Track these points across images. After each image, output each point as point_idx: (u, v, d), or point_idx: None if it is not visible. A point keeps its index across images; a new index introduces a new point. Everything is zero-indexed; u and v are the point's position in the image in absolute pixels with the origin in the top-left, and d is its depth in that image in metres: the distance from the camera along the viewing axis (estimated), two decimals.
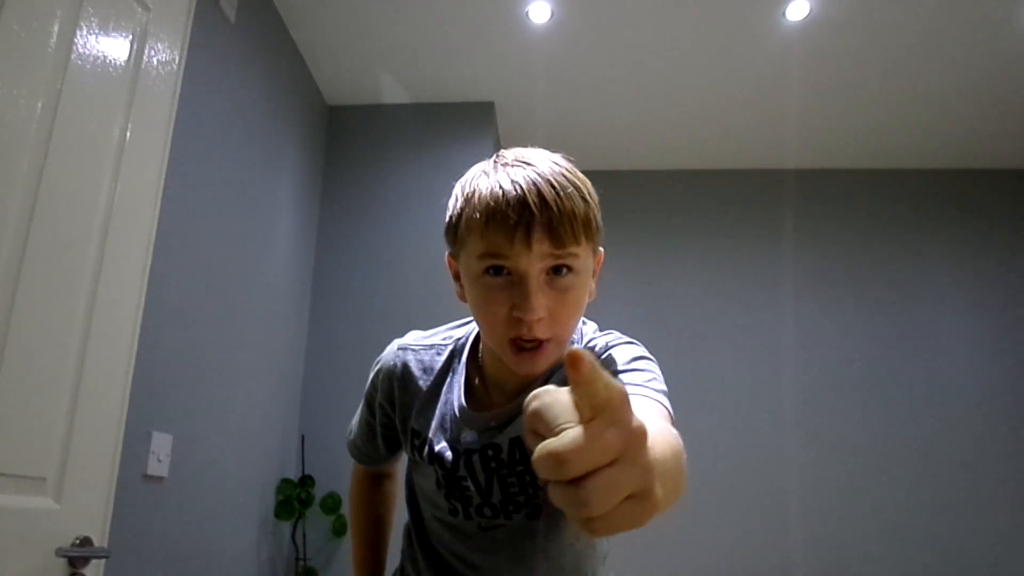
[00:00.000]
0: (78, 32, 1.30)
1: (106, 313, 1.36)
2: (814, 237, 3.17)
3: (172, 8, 1.64)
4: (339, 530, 2.32)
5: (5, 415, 1.12)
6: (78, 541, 1.26)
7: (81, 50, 1.31)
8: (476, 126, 2.85)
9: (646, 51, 2.54)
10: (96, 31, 1.35)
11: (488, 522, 0.85)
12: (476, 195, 0.72)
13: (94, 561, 1.29)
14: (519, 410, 0.75)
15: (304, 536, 2.34)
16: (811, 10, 2.31)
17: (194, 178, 1.82)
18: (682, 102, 2.83)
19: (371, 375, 0.94)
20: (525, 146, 0.79)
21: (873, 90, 2.71)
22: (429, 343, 0.91)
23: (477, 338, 0.89)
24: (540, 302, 0.70)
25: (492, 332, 0.75)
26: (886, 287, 3.08)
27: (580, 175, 0.76)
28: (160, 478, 1.65)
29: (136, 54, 1.48)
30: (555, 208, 0.69)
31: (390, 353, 0.92)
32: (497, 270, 0.72)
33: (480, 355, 0.87)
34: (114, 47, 1.41)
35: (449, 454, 0.83)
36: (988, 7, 2.27)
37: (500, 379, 0.83)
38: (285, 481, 2.34)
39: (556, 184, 0.71)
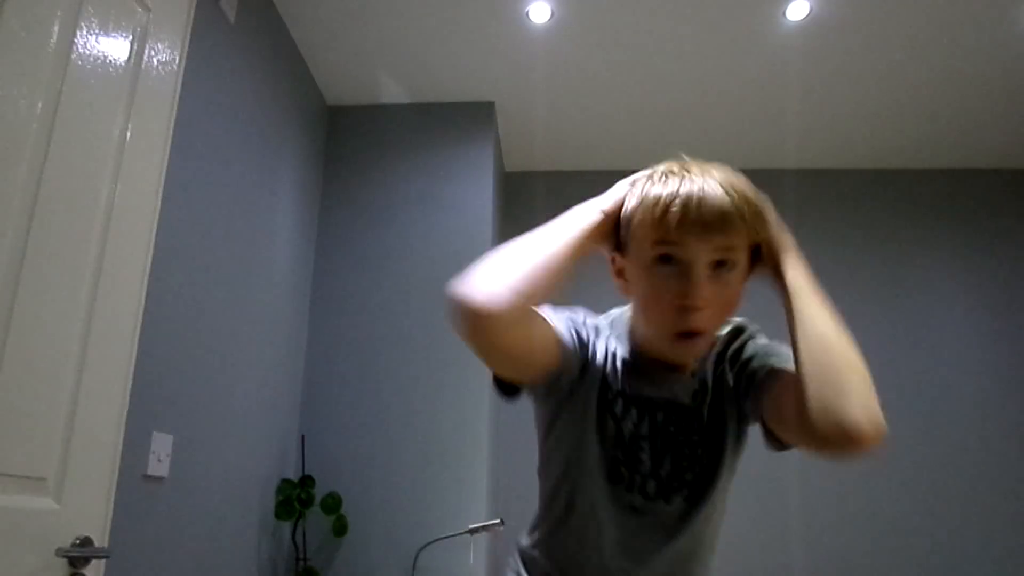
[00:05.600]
0: (78, 32, 1.30)
1: (106, 313, 1.36)
2: (814, 237, 3.15)
3: (172, 8, 1.64)
4: (339, 530, 2.32)
5: (5, 415, 1.12)
6: (78, 541, 1.26)
7: (81, 50, 1.30)
8: (476, 126, 2.85)
9: (646, 51, 2.54)
10: (96, 31, 1.35)
11: (644, 503, 0.85)
12: (652, 194, 0.80)
13: (94, 561, 1.29)
14: (690, 384, 0.86)
15: (304, 536, 2.34)
16: (811, 10, 2.31)
17: (194, 178, 1.82)
18: (682, 102, 2.83)
19: (582, 314, 0.93)
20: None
21: (873, 90, 2.71)
22: (603, 320, 0.94)
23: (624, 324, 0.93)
24: (705, 291, 0.77)
25: (657, 319, 0.81)
26: (886, 287, 3.08)
27: (752, 189, 0.83)
28: (160, 478, 1.65)
29: (136, 54, 1.48)
30: (727, 204, 0.77)
31: (587, 313, 0.94)
32: (666, 259, 0.79)
33: (632, 337, 0.90)
34: (114, 47, 1.41)
35: (634, 413, 0.86)
36: (988, 7, 2.27)
37: (657, 359, 0.87)
38: (285, 481, 2.34)
39: (726, 186, 0.79)
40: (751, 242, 0.81)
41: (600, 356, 0.89)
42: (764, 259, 0.83)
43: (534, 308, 0.79)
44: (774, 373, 0.82)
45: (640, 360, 0.88)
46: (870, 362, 0.75)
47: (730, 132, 3.01)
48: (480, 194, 2.76)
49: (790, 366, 0.78)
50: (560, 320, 0.87)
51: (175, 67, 1.64)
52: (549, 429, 0.91)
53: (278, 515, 2.27)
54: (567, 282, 0.79)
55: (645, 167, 0.91)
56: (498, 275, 0.73)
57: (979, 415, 2.88)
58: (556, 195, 3.32)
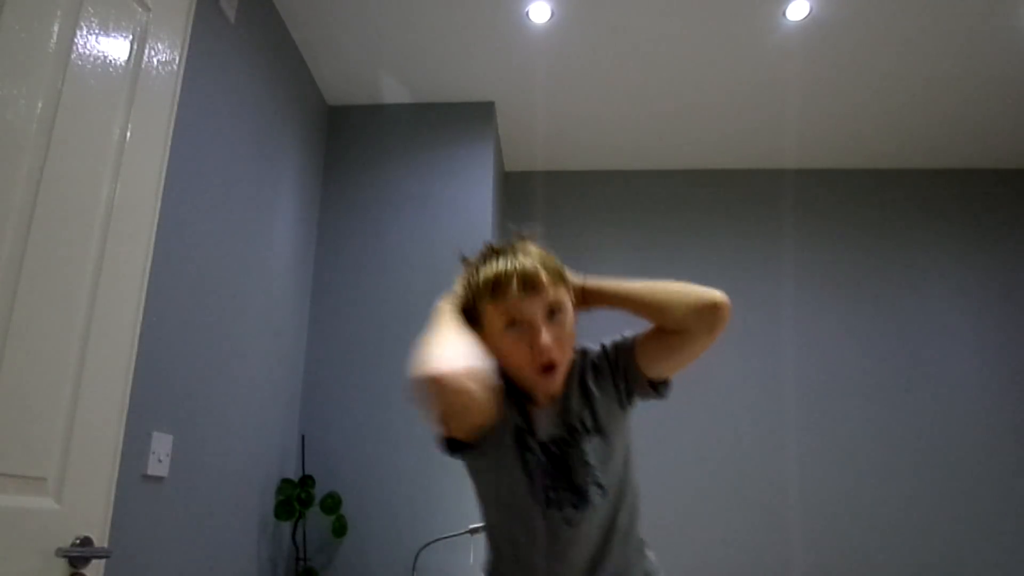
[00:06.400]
0: (78, 32, 1.30)
1: (106, 313, 1.36)
2: (814, 237, 3.17)
3: (172, 8, 1.64)
4: (339, 530, 2.32)
5: (5, 415, 1.12)
6: (78, 541, 1.26)
7: (81, 50, 1.31)
8: (476, 126, 2.85)
9: (646, 51, 2.54)
10: (96, 31, 1.35)
11: (575, 513, 1.05)
12: (484, 278, 1.04)
13: (94, 561, 1.29)
14: (559, 409, 1.08)
15: (304, 536, 2.34)
16: (811, 10, 2.31)
17: (194, 178, 1.82)
18: (682, 102, 2.83)
19: None
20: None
21: (873, 90, 2.71)
22: None
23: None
24: (547, 336, 1.01)
25: (520, 368, 1.03)
26: (887, 287, 3.08)
27: (548, 254, 1.08)
28: (160, 478, 1.65)
29: (136, 54, 1.48)
30: (535, 269, 1.02)
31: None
32: (512, 323, 1.02)
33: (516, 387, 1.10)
34: (114, 47, 1.41)
35: (539, 445, 1.07)
36: (988, 7, 2.27)
37: (532, 399, 1.09)
38: (285, 481, 2.34)
39: (533, 257, 1.04)
40: (566, 288, 1.06)
41: (505, 408, 1.06)
42: (578, 298, 1.09)
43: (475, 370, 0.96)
44: (633, 344, 1.10)
45: (527, 402, 1.08)
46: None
47: (730, 132, 3.01)
48: (480, 194, 2.76)
49: (634, 336, 1.10)
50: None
51: (175, 67, 1.64)
52: (481, 477, 1.12)
53: (278, 515, 2.27)
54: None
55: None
56: (441, 353, 0.93)
57: (979, 414, 2.88)
58: (556, 195, 3.32)
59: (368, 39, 2.53)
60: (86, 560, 1.26)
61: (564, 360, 1.03)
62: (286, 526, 2.36)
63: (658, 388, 1.09)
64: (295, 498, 2.30)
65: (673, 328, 1.04)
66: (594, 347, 1.14)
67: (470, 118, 2.85)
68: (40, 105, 1.20)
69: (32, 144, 1.18)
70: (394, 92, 2.84)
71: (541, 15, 2.38)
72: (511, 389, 1.08)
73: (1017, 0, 2.25)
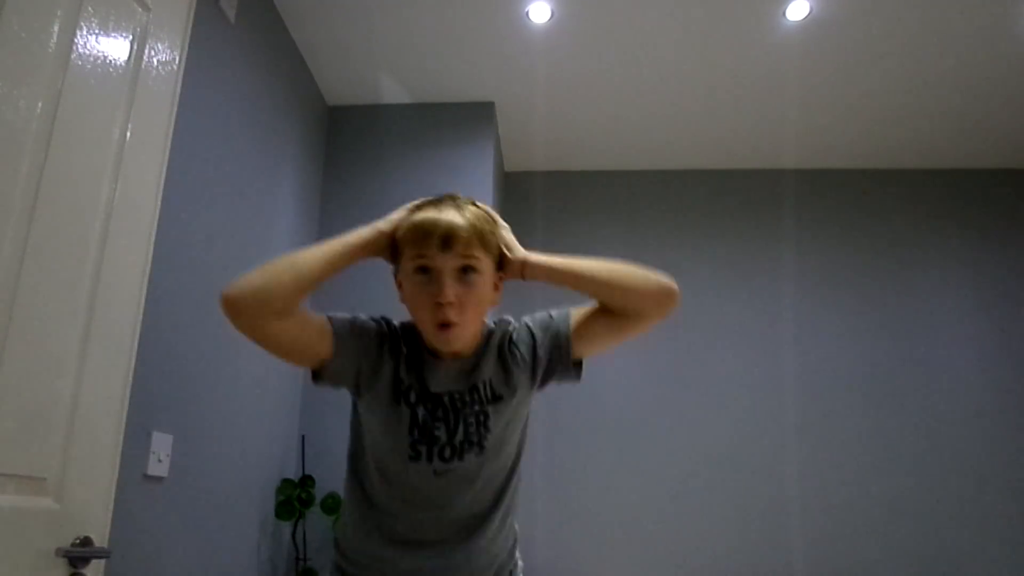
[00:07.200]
0: (78, 32, 1.30)
1: (106, 313, 1.36)
2: (814, 237, 3.17)
3: (172, 8, 1.64)
4: None
5: (5, 415, 1.12)
6: (78, 541, 1.26)
7: (81, 50, 1.31)
8: (476, 126, 2.85)
9: (646, 51, 2.54)
10: (96, 31, 1.35)
11: (443, 466, 1.08)
12: (412, 220, 1.06)
13: (94, 561, 1.29)
14: (467, 368, 1.10)
15: (304, 536, 2.34)
16: (811, 10, 2.31)
17: (194, 178, 1.82)
18: (682, 102, 2.83)
19: (378, 321, 1.16)
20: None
21: (873, 90, 2.71)
22: (397, 325, 1.17)
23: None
24: (452, 290, 1.01)
25: (421, 316, 1.05)
26: (886, 286, 3.08)
27: (487, 211, 1.10)
28: (160, 478, 1.65)
29: (136, 54, 1.48)
30: (462, 226, 1.02)
31: (390, 321, 1.17)
32: (423, 269, 1.03)
33: (416, 338, 1.13)
34: (114, 47, 1.41)
35: (425, 401, 1.09)
36: (988, 7, 2.27)
37: (437, 352, 1.10)
38: (285, 481, 2.34)
39: (463, 211, 1.05)
40: (491, 254, 1.07)
41: (392, 356, 1.10)
42: (507, 266, 1.10)
43: (291, 307, 1.01)
44: (567, 323, 1.12)
45: (426, 355, 1.10)
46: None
47: (730, 132, 3.01)
48: (480, 194, 2.75)
49: (574, 314, 1.12)
50: (341, 321, 1.11)
51: (175, 67, 1.64)
52: (355, 421, 1.16)
53: (278, 515, 2.27)
54: (318, 286, 1.04)
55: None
56: (250, 277, 0.98)
57: (979, 413, 2.88)
58: (556, 195, 3.32)
59: (368, 39, 2.53)
60: (86, 560, 1.26)
61: (463, 322, 1.03)
62: (286, 526, 2.36)
63: (577, 369, 1.12)
64: (295, 498, 2.30)
65: (626, 310, 1.07)
66: (516, 321, 1.16)
67: (470, 118, 2.85)
68: (40, 105, 1.20)
69: (32, 144, 1.18)
70: (394, 92, 2.84)
71: (541, 15, 2.38)
72: (415, 338, 1.11)
73: (1017, 0, 2.25)
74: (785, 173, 3.25)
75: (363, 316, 1.15)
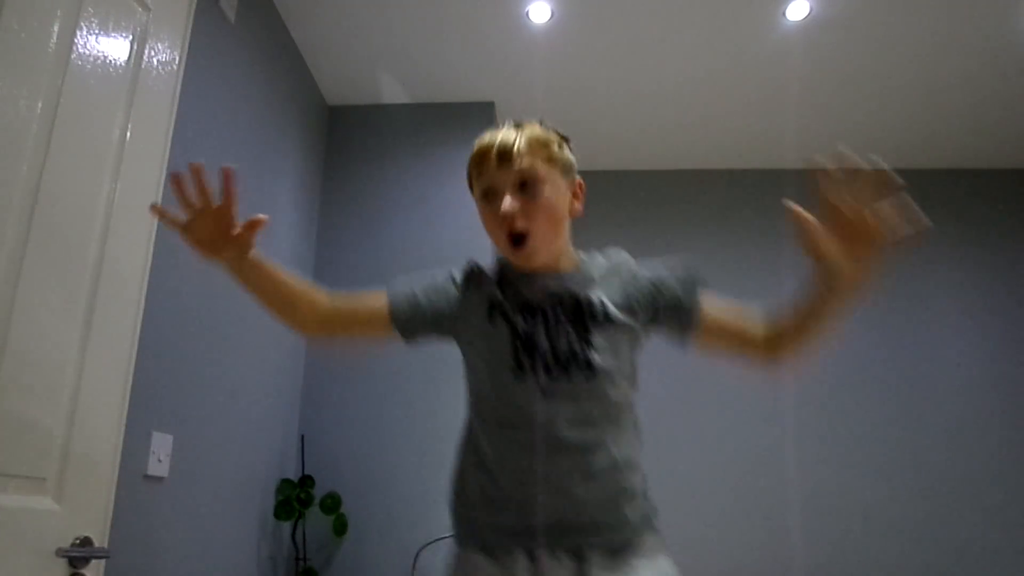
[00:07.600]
0: (78, 32, 1.30)
1: (106, 313, 1.36)
2: None
3: (172, 8, 1.64)
4: (339, 530, 2.32)
5: (5, 415, 1.12)
6: (78, 541, 1.26)
7: (81, 50, 1.31)
8: (476, 126, 2.80)
9: (646, 51, 2.54)
10: (96, 31, 1.35)
11: (550, 383, 1.02)
12: (472, 153, 1.08)
13: (94, 561, 1.29)
14: (566, 283, 1.07)
15: (304, 536, 2.34)
16: (811, 10, 2.31)
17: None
18: (682, 102, 2.83)
19: (453, 268, 1.17)
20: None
21: (873, 90, 2.71)
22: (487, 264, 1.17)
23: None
24: (510, 203, 1.01)
25: (496, 238, 1.06)
26: (886, 286, 3.07)
27: (545, 132, 1.10)
28: (160, 478, 1.65)
29: (136, 54, 1.48)
30: (515, 141, 1.03)
31: (470, 261, 1.19)
32: (486, 193, 1.06)
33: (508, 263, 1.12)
34: (114, 47, 1.41)
35: (523, 312, 1.06)
36: (988, 7, 2.27)
37: (533, 271, 1.09)
38: (285, 481, 2.34)
39: (524, 131, 1.06)
40: (556, 167, 1.07)
41: (479, 288, 1.10)
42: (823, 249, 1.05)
43: (337, 309, 1.18)
44: (698, 299, 1.10)
45: (520, 275, 1.09)
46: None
47: (730, 132, 3.01)
48: None
49: (715, 306, 1.11)
50: (398, 299, 1.13)
51: (175, 67, 1.64)
52: (463, 359, 1.14)
53: (278, 515, 2.27)
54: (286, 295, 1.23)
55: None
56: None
57: (980, 413, 2.88)
58: None
59: (368, 39, 2.53)
60: (86, 560, 1.26)
61: (535, 231, 1.03)
62: (286, 526, 2.36)
63: (688, 337, 1.11)
64: (295, 498, 2.30)
65: (768, 344, 1.10)
66: (650, 260, 1.14)
67: (470, 118, 2.85)
68: (40, 105, 1.20)
69: (32, 144, 1.18)
70: (394, 92, 2.83)
71: (541, 15, 2.38)
72: (506, 266, 1.12)
73: (1017, 1, 2.25)
74: (785, 173, 3.25)
75: (429, 276, 1.17)
